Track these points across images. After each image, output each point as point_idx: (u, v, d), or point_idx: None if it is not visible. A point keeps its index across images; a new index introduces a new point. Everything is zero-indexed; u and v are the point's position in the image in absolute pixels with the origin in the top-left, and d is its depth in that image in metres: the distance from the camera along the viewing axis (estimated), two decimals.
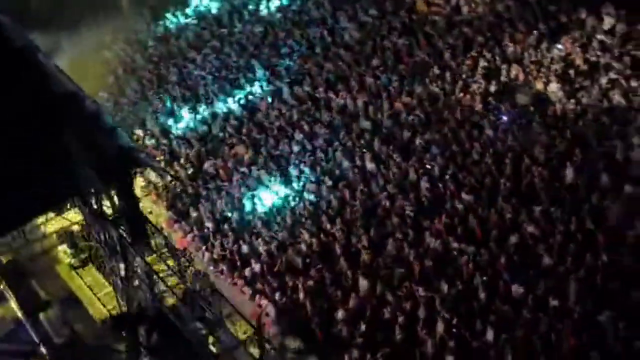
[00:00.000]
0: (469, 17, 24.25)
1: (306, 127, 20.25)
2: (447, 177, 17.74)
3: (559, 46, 22.10)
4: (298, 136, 19.99)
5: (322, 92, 21.64)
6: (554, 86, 20.69)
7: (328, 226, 16.90)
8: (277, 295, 15.33)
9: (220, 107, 21.96)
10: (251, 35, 25.43)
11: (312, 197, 17.88)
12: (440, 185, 17.59)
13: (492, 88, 20.85)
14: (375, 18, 24.96)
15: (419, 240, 16.21)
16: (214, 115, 21.58)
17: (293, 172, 18.74)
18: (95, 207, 11.58)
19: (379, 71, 22.02)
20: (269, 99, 21.77)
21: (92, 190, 10.98)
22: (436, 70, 21.72)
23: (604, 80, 20.49)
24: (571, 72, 21.07)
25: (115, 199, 11.11)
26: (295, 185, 18.41)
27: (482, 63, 21.85)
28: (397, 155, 18.60)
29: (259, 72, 23.08)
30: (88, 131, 8.74)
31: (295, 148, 19.59)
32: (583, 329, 13.72)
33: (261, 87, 22.47)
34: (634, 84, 20.15)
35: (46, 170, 8.06)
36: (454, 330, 14.05)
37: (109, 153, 9.67)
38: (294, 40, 24.38)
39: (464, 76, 21.38)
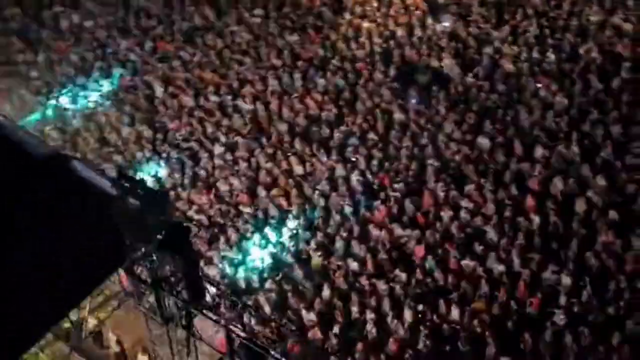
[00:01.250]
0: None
1: (223, 139, 19.80)
2: (374, 167, 18.03)
3: (445, 23, 22.93)
4: (218, 149, 19.48)
5: (229, 100, 21.19)
6: (448, 62, 21.46)
7: (273, 236, 16.72)
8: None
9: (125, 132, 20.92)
10: (138, 49, 24.36)
11: (248, 209, 17.57)
12: (370, 175, 17.87)
13: (392, 72, 21.33)
14: (262, 17, 24.71)
15: (365, 233, 16.41)
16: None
17: (222, 187, 18.29)
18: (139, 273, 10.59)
19: (281, 71, 21.85)
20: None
21: (142, 257, 10.05)
22: (336, 63, 21.89)
23: (490, 50, 21.53)
24: (460, 46, 21.96)
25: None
26: (228, 199, 18.00)
27: (376, 48, 22.30)
28: (321, 153, 18.63)
29: (158, 89, 22.19)
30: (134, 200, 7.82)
31: (218, 162, 19.10)
32: (535, 289, 14.54)
33: (164, 104, 21.66)
34: (515, 48, 21.35)
35: (88, 248, 7.13)
36: (420, 315, 14.43)
37: (163, 218, 8.84)
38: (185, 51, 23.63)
39: (362, 64, 21.70)
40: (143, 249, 9.68)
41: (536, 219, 15.88)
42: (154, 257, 10.02)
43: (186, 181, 18.62)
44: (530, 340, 13.58)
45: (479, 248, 15.56)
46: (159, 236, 9.50)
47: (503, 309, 14.25)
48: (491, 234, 15.82)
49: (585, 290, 14.24)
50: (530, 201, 16.41)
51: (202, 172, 18.83)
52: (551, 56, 20.77)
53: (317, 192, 17.44)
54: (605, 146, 17.41)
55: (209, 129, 20.26)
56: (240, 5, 25.45)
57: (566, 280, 14.45)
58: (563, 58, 20.67)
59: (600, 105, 18.85)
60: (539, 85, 19.74)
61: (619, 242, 15.01)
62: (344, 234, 16.46)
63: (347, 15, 23.95)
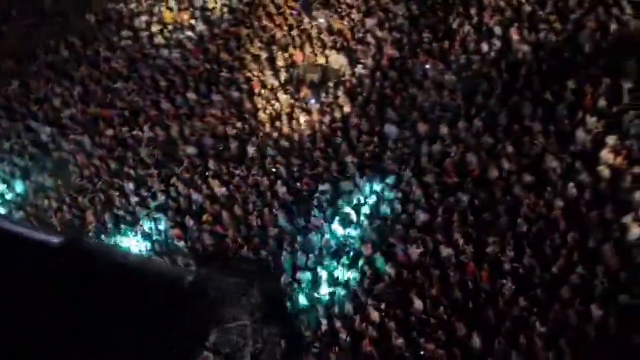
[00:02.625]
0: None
1: (133, 173, 18.58)
2: (296, 174, 17.70)
3: (320, 20, 22.75)
4: (129, 187, 18.26)
5: (126, 132, 19.88)
6: (335, 57, 21.36)
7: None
8: None
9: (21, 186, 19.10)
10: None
11: (182, 244, 16.64)
12: (294, 183, 17.54)
13: (283, 77, 20.93)
14: (132, 39, 23.37)
15: (308, 243, 16.11)
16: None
17: (148, 224, 17.19)
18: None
19: (173, 92, 20.80)
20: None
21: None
22: (226, 75, 21.16)
23: (371, 39, 21.67)
24: (341, 39, 21.91)
25: None
26: (157, 237, 16.95)
27: (261, 54, 21.78)
28: (240, 169, 18.02)
29: (46, 131, 20.41)
30: None
31: (134, 199, 17.92)
32: (482, 263, 14.99)
33: (53, 141, 19.96)
34: (396, 34, 21.63)
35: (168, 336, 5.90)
36: (385, 313, 14.43)
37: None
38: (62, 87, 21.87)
39: (254, 73, 21.13)
40: (240, 325, 8.81)
41: (464, 197, 16.26)
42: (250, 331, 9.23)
43: (109, 225, 17.29)
44: (493, 313, 13.96)
45: (419, 236, 15.70)
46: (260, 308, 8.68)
47: (460, 290, 14.53)
48: (427, 219, 16.03)
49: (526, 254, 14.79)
50: (452, 180, 16.78)
51: (121, 213, 17.58)
52: (429, 36, 21.18)
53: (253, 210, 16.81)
54: (503, 115, 18.05)
55: (114, 166, 18.93)
56: (106, 30, 23.96)
57: (509, 250, 14.91)
58: (440, 36, 21.15)
59: (485, 76, 19.51)
60: (427, 66, 20.10)
61: (541, 202, 15.71)
62: (289, 248, 16.05)
63: (223, 25, 23.14)
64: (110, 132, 19.93)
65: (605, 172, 16.26)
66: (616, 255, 14.41)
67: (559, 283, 14.28)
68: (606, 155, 16.56)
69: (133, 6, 24.55)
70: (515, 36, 20.49)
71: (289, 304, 13.99)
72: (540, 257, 14.79)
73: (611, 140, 16.79)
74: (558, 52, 19.78)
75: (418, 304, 14.42)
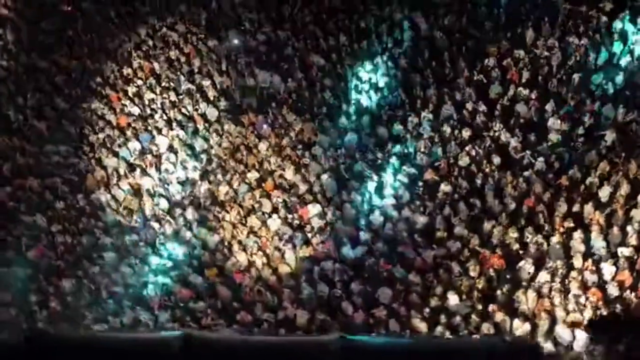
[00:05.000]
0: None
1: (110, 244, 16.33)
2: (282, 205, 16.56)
3: (234, 40, 21.14)
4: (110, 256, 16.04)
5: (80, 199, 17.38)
6: (263, 75, 20.02)
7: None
8: None
9: None
10: None
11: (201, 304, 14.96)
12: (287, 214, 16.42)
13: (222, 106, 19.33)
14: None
15: (322, 271, 15.19)
16: None
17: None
18: None
19: (116, 145, 18.45)
20: None
21: None
22: (158, 118, 19.13)
23: (290, 51, 20.52)
24: (262, 56, 20.52)
25: None
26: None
27: (190, 87, 19.87)
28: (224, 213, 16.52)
29: None
30: None
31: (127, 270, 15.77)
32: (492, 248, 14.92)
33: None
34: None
35: None
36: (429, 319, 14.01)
37: None
38: None
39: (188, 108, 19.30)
40: None
41: (447, 188, 16.05)
42: None
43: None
44: (525, 297, 13.94)
45: (424, 238, 15.34)
46: None
47: (486, 281, 14.40)
48: (423, 219, 15.70)
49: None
50: (430, 174, 16.51)
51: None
52: (344, 39, 20.37)
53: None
54: (446, 102, 17.89)
55: (85, 240, 16.44)
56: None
57: (512, 232, 14.95)
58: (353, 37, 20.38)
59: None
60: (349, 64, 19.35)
61: (521, 180, 15.92)
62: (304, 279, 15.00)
63: (135, 63, 20.71)
64: (61, 204, 17.23)
65: (556, 138, 16.79)
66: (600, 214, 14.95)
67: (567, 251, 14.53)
68: (553, 122, 17.11)
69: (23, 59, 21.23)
70: (422, 25, 20.25)
71: None
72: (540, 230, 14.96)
73: (550, 107, 17.36)
74: (466, 32, 19.90)
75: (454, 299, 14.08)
